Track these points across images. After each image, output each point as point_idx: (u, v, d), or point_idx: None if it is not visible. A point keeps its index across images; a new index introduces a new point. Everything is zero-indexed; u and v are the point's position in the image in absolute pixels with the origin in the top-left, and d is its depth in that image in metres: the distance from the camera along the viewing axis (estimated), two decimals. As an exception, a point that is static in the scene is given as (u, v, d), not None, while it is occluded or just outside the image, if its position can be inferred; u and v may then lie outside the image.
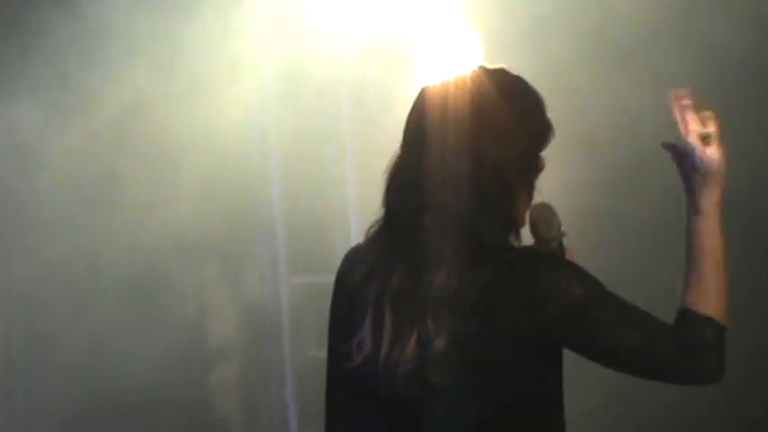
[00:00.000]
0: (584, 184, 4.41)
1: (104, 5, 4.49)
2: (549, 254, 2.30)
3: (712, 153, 2.28)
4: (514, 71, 2.29)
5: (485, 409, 2.18)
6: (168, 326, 4.73)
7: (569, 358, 2.22)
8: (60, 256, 4.62)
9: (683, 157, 2.29)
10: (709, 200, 2.27)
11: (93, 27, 4.50)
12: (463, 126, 2.21)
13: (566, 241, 2.38)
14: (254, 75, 4.72)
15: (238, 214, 4.83)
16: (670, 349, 2.17)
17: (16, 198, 4.62)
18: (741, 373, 4.39)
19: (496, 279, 2.16)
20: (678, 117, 2.30)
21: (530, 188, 2.28)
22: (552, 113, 2.32)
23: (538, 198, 2.31)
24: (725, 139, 2.27)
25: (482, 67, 2.30)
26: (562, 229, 2.37)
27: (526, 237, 2.28)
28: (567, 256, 2.36)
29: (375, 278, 2.23)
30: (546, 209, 2.33)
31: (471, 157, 2.19)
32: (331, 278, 2.36)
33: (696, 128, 2.28)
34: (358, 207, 4.75)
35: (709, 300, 2.22)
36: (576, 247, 2.43)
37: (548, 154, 2.29)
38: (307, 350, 4.71)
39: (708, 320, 2.19)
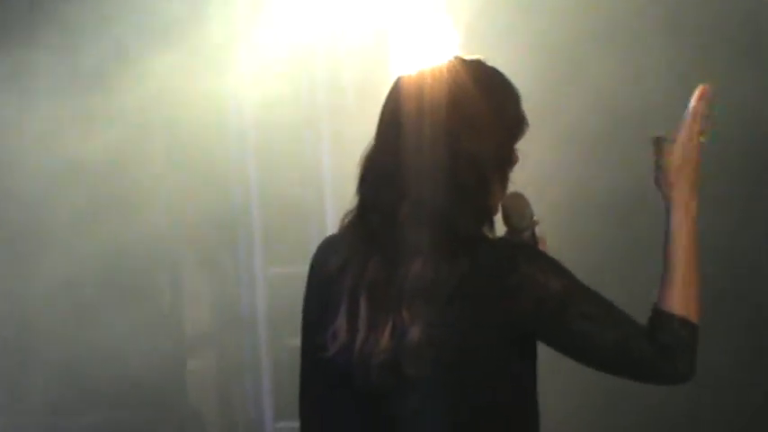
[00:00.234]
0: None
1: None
2: (526, 245, 2.30)
3: (690, 150, 2.29)
4: (492, 63, 2.30)
5: (458, 399, 2.18)
6: (144, 315, 4.72)
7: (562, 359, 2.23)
8: (34, 248, 4.61)
9: (671, 154, 2.29)
10: (694, 192, 2.28)
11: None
12: (439, 117, 2.21)
13: (538, 231, 2.38)
14: (229, 64, 4.71)
15: (214, 203, 4.82)
16: (645, 348, 2.17)
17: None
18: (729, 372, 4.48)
19: (472, 270, 2.16)
20: (691, 113, 2.30)
21: (504, 180, 2.28)
22: (532, 106, 2.33)
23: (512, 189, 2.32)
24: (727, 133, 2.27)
25: (458, 58, 2.30)
26: (535, 218, 2.38)
27: (499, 227, 2.28)
28: (541, 246, 2.37)
29: (350, 268, 2.23)
30: (518, 198, 2.33)
31: (447, 149, 2.19)
32: (307, 268, 2.36)
33: (708, 128, 2.29)
34: (334, 197, 4.74)
35: (685, 300, 2.22)
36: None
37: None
38: (283, 340, 4.70)
39: (683, 321, 2.20)
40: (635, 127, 4.40)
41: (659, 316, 2.21)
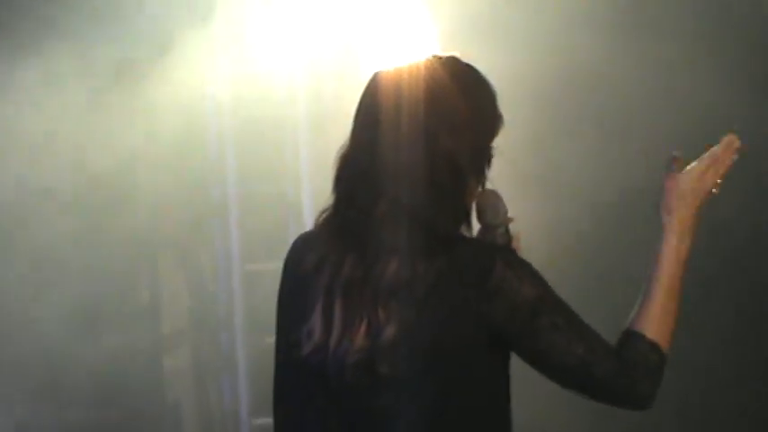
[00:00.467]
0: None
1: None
2: (504, 249, 2.29)
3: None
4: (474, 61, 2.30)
5: (432, 398, 2.17)
6: (121, 313, 4.72)
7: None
8: (7, 246, 4.60)
9: (680, 183, 2.29)
10: (692, 229, 2.28)
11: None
12: (417, 115, 2.20)
13: (512, 227, 2.38)
14: (207, 62, 4.71)
15: (192, 201, 4.81)
16: (610, 366, 2.15)
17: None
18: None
19: (449, 270, 2.16)
20: (712, 156, 2.30)
21: (481, 178, 2.27)
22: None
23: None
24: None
25: (435, 56, 2.29)
26: (508, 215, 2.37)
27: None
28: (514, 244, 2.37)
29: (326, 266, 2.22)
30: (492, 195, 2.32)
31: (424, 147, 2.19)
32: (284, 266, 2.37)
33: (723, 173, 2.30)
34: (313, 194, 4.74)
35: (659, 326, 2.21)
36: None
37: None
38: (260, 337, 4.69)
39: (654, 346, 2.19)
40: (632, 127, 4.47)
41: (630, 336, 2.20)
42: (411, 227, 2.18)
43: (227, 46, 4.70)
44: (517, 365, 2.23)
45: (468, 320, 2.16)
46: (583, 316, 2.17)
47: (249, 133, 4.75)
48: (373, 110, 2.24)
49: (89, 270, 4.61)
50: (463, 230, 2.26)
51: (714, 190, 2.29)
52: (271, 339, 2.35)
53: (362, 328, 2.17)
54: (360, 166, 2.22)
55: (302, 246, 2.34)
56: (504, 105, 2.30)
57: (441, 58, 2.28)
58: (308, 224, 4.67)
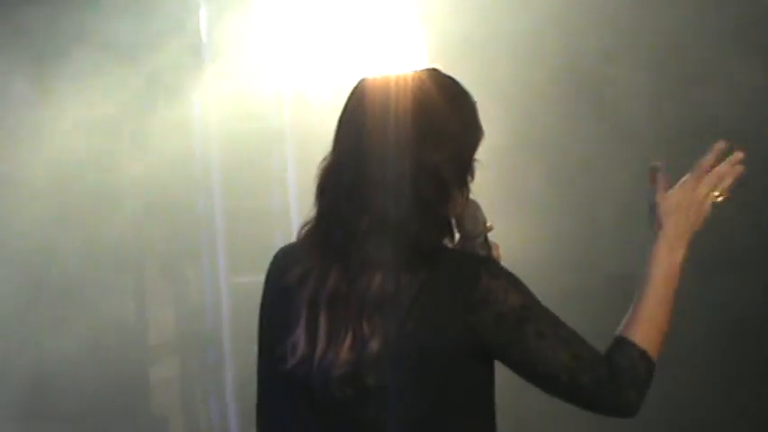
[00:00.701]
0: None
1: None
2: (488, 260, 2.30)
3: (707, 210, 2.30)
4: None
5: (419, 409, 2.17)
6: (108, 325, 4.70)
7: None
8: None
9: (690, 197, 2.29)
10: (683, 241, 2.28)
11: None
12: (405, 127, 2.20)
13: (491, 237, 2.38)
14: (195, 75, 4.70)
15: (179, 213, 4.81)
16: (596, 374, 2.15)
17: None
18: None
19: (434, 282, 2.16)
20: (699, 165, 2.30)
21: (465, 191, 2.28)
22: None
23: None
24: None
25: (421, 68, 2.29)
26: (488, 224, 2.38)
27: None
28: (494, 252, 2.37)
29: (310, 280, 2.21)
30: (471, 205, 2.33)
31: (412, 160, 2.18)
32: (271, 278, 2.36)
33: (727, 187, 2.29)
34: (300, 206, 4.74)
35: (651, 337, 2.21)
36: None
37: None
38: (247, 349, 4.68)
39: (643, 354, 2.19)
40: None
41: (621, 343, 2.20)
42: (396, 240, 2.18)
43: (215, 60, 4.71)
44: (502, 372, 2.24)
45: (454, 331, 2.16)
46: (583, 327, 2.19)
47: (235, 146, 4.75)
48: (359, 120, 2.23)
49: (75, 282, 4.60)
50: (446, 241, 2.26)
51: (719, 198, 2.28)
52: (257, 351, 2.35)
53: (347, 341, 2.16)
54: (344, 179, 2.22)
55: (284, 258, 2.33)
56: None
57: (426, 70, 2.28)
58: (295, 236, 4.67)
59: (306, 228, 2.29)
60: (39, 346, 4.55)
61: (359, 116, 2.22)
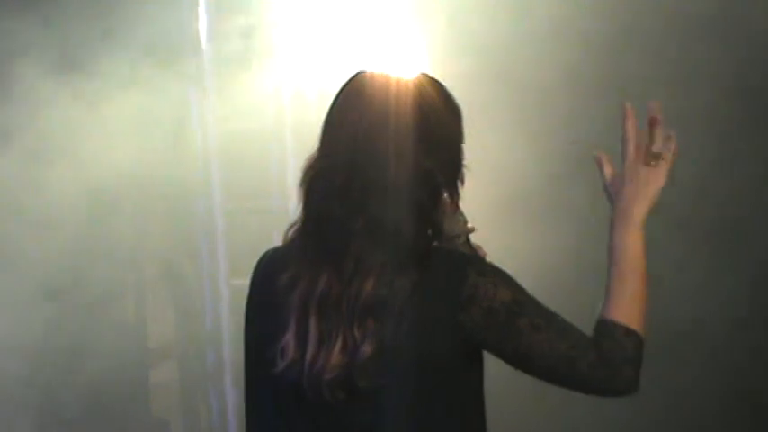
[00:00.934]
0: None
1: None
2: (475, 257, 2.31)
3: (658, 173, 2.29)
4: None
5: (412, 410, 2.17)
6: (107, 327, 4.70)
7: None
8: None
9: (628, 168, 2.29)
10: (641, 215, 2.28)
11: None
12: (406, 131, 2.20)
13: (473, 238, 2.39)
14: (193, 74, 4.70)
15: (179, 214, 4.80)
16: (591, 359, 2.17)
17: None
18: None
19: (424, 283, 2.16)
20: (629, 128, 2.30)
21: (456, 195, 2.28)
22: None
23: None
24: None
25: (420, 73, 2.28)
26: (469, 225, 2.38)
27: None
28: (479, 254, 2.37)
29: (300, 283, 2.20)
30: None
31: (410, 164, 2.18)
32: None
33: (659, 144, 2.30)
34: (300, 208, 4.73)
35: (631, 311, 2.23)
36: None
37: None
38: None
39: (628, 332, 2.20)
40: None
41: (604, 325, 2.22)
42: (389, 243, 2.17)
43: (213, 58, 4.70)
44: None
45: (447, 331, 2.16)
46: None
47: (235, 147, 4.74)
48: (355, 120, 2.22)
49: (75, 284, 4.59)
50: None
51: (653, 163, 2.29)
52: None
53: (338, 346, 2.16)
54: (337, 180, 2.21)
55: (271, 262, 2.32)
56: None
57: (422, 74, 2.27)
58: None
59: (293, 229, 2.28)
60: (39, 351, 4.54)
61: (355, 115, 2.21)
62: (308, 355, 2.16)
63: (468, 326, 2.15)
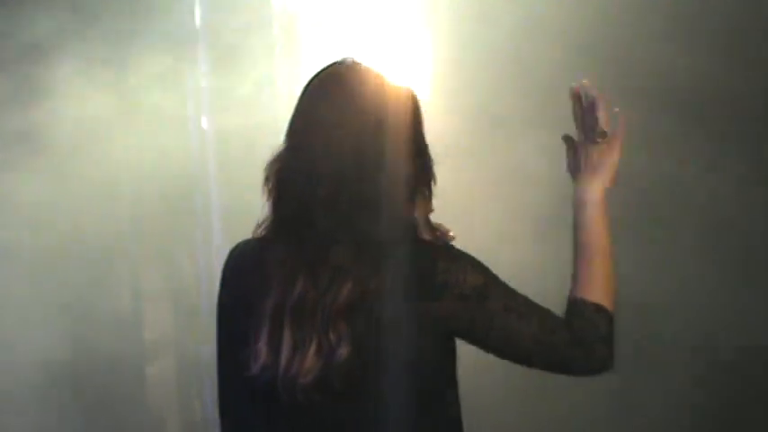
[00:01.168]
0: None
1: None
2: (443, 245, 2.31)
3: (610, 149, 2.31)
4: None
5: (389, 401, 2.18)
6: (102, 320, 4.71)
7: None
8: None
9: (580, 148, 2.32)
10: (599, 192, 2.30)
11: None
12: (392, 134, 2.19)
13: (433, 219, 2.39)
14: (191, 70, 4.70)
15: (175, 208, 4.81)
16: (564, 338, 2.19)
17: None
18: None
19: (396, 278, 2.17)
20: (577, 109, 2.33)
21: (430, 192, 2.28)
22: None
23: None
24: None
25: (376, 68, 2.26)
26: (429, 206, 2.39)
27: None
28: (448, 236, 2.38)
29: (273, 289, 2.19)
30: None
31: (392, 166, 2.18)
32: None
33: (604, 121, 2.32)
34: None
35: (599, 289, 2.25)
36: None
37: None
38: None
39: (598, 309, 2.22)
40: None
41: (575, 304, 2.23)
42: (367, 247, 2.17)
43: (210, 51, 4.70)
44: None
45: (420, 321, 2.17)
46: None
47: (232, 141, 4.74)
48: (332, 119, 2.20)
49: (70, 277, 4.59)
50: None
51: (599, 140, 2.32)
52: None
53: (312, 350, 2.16)
54: (321, 191, 2.19)
55: (242, 257, 2.31)
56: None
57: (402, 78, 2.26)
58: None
59: (262, 228, 2.26)
60: (32, 342, 4.55)
61: (336, 115, 2.19)
62: (283, 360, 2.16)
63: (442, 314, 2.16)
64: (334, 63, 2.27)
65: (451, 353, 2.29)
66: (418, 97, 2.32)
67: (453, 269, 2.22)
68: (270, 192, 2.24)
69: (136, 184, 4.70)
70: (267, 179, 2.26)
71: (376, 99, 2.16)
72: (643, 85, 4.36)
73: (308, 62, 4.67)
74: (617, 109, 2.39)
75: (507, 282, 2.29)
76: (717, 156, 4.35)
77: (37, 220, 4.59)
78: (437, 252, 2.25)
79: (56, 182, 4.56)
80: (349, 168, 2.18)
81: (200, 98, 4.80)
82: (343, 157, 2.20)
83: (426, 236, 2.37)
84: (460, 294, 2.21)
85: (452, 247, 2.34)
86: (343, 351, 2.19)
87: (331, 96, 2.25)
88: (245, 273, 2.29)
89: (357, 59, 2.20)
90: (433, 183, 2.32)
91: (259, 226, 2.31)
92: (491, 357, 2.38)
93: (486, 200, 4.41)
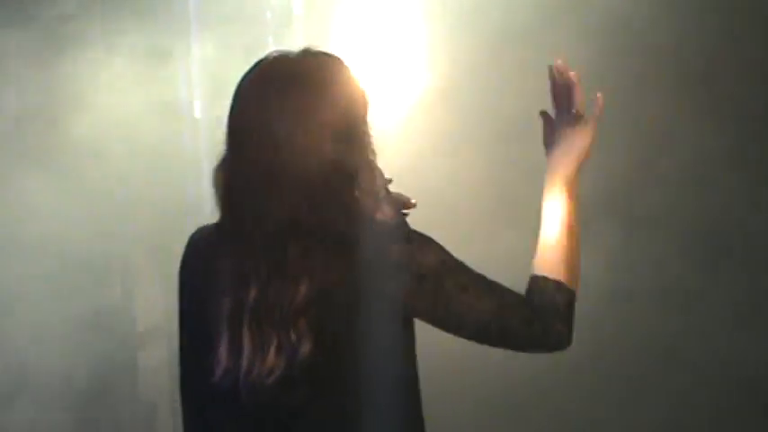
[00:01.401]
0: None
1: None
2: (398, 226, 2.31)
3: (584, 131, 2.33)
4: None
5: (352, 392, 2.17)
6: (94, 314, 4.68)
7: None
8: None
9: (556, 126, 2.33)
10: (571, 170, 2.31)
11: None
12: (320, 125, 2.16)
13: (392, 188, 2.38)
14: (182, 60, 4.66)
15: (167, 201, 4.79)
16: (522, 315, 2.20)
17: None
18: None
19: (353, 265, 2.15)
20: (553, 87, 2.35)
21: (370, 168, 2.24)
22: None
23: None
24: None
25: (311, 51, 2.24)
26: (386, 177, 2.40)
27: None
28: (406, 205, 2.38)
29: (228, 292, 2.18)
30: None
31: (325, 156, 2.16)
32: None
33: (581, 101, 2.34)
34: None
35: (561, 267, 2.26)
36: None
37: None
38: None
39: (559, 286, 2.22)
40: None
41: (535, 281, 2.24)
42: (314, 241, 2.15)
43: (202, 46, 4.67)
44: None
45: (380, 304, 2.17)
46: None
47: (223, 131, 4.70)
48: (266, 117, 2.18)
49: (63, 269, 4.57)
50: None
51: (579, 115, 2.33)
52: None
53: (272, 351, 2.15)
54: (255, 178, 2.17)
55: (200, 250, 2.29)
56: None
57: (327, 55, 2.22)
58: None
59: (211, 228, 2.25)
60: (25, 332, 4.53)
61: (265, 112, 2.17)
62: (244, 363, 2.14)
63: (400, 295, 2.15)
64: (261, 60, 2.26)
65: (411, 334, 2.29)
66: (350, 74, 2.29)
67: (409, 250, 2.22)
68: (218, 198, 2.22)
69: (127, 177, 4.68)
70: (215, 185, 2.24)
71: (303, 90, 2.15)
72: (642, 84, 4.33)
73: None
74: (600, 94, 2.40)
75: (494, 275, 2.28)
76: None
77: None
78: (392, 235, 2.24)
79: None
80: (287, 165, 2.17)
81: (192, 86, 4.77)
82: (280, 156, 2.18)
83: (387, 210, 2.36)
84: (417, 274, 2.21)
85: (408, 228, 2.35)
86: (306, 348, 2.19)
87: (262, 95, 2.23)
88: (202, 264, 2.29)
89: (283, 51, 2.18)
90: (373, 158, 2.30)
91: (201, 230, 2.31)
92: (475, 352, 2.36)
93: (485, 199, 4.39)
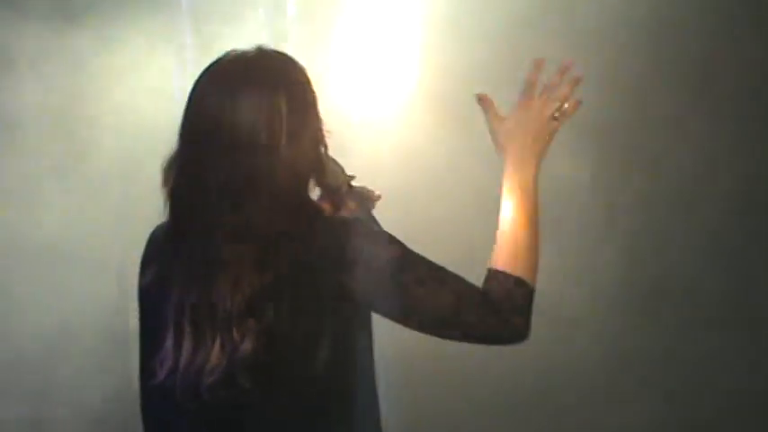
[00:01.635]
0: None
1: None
2: (353, 221, 2.29)
3: (553, 129, 2.32)
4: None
5: (301, 390, 2.16)
6: (92, 309, 4.67)
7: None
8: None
9: (519, 119, 2.31)
10: (534, 165, 2.30)
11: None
12: (268, 124, 2.15)
13: (354, 183, 2.38)
14: (176, 55, 4.65)
15: (161, 196, 4.76)
16: (479, 308, 2.18)
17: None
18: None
19: (305, 259, 2.14)
20: (533, 82, 2.32)
21: (322, 165, 2.24)
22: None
23: None
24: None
25: (263, 49, 2.24)
26: (348, 173, 2.39)
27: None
28: (367, 196, 2.37)
29: (174, 291, 2.18)
30: (329, 161, 2.33)
31: (276, 157, 2.14)
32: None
33: (564, 97, 2.32)
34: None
35: (519, 260, 2.25)
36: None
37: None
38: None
39: (517, 281, 2.21)
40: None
41: (494, 275, 2.23)
42: (261, 241, 2.14)
43: (195, 43, 4.66)
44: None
45: (331, 300, 2.16)
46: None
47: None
48: (219, 116, 2.17)
49: (57, 266, 4.55)
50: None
51: (556, 113, 2.31)
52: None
53: (215, 350, 2.15)
54: (205, 177, 2.17)
55: (153, 251, 2.30)
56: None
57: (278, 54, 2.21)
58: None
59: (163, 227, 2.24)
60: (20, 331, 4.51)
61: (218, 111, 2.17)
62: (183, 362, 2.13)
63: (355, 289, 2.14)
64: (218, 58, 2.26)
65: (367, 327, 2.28)
66: (304, 72, 2.28)
67: (363, 244, 2.21)
68: (167, 196, 2.22)
69: (121, 172, 4.66)
70: (164, 183, 2.24)
71: (257, 88, 2.14)
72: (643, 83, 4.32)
73: (294, 43, 4.62)
74: (579, 97, 2.39)
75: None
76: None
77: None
78: (346, 229, 2.23)
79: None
80: (237, 165, 2.16)
81: (186, 79, 4.75)
82: (230, 155, 2.18)
83: (350, 204, 2.36)
84: (371, 268, 2.20)
85: (363, 222, 2.35)
86: (248, 346, 2.18)
87: (216, 93, 2.23)
88: (156, 272, 2.29)
89: (240, 50, 2.18)
90: (325, 154, 2.29)
91: (156, 230, 2.30)
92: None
93: (482, 199, 4.36)
